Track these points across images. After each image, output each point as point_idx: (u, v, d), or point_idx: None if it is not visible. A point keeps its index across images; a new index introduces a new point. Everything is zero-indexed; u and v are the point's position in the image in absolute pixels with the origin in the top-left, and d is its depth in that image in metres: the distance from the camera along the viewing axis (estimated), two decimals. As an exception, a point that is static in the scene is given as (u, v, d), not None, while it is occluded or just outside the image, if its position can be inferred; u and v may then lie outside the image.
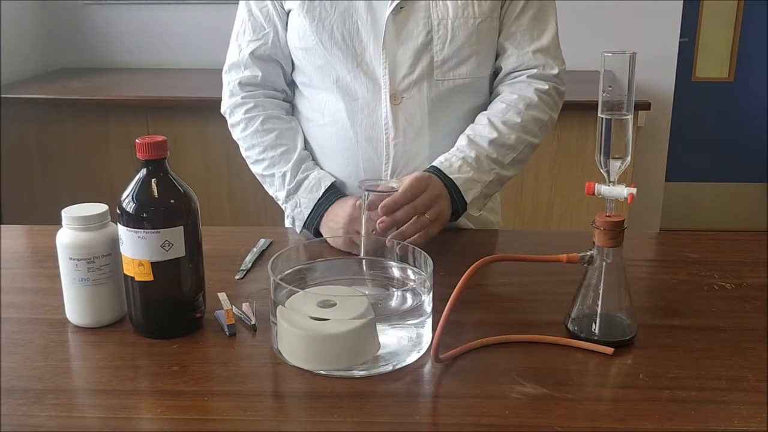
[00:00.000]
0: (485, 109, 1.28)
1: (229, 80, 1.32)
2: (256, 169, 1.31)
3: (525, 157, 1.26)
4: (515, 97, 1.24)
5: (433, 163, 1.20)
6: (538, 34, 1.24)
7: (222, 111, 1.34)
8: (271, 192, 1.31)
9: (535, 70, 1.25)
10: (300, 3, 1.21)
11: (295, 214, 1.26)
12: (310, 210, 1.24)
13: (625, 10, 3.08)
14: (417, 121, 1.23)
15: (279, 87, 1.33)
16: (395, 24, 1.19)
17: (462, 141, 1.22)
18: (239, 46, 1.30)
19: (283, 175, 1.26)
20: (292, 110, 1.35)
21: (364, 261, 1.02)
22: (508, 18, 1.24)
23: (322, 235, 1.22)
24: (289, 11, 1.25)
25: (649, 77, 3.10)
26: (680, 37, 3.18)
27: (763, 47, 3.63)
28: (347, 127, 1.24)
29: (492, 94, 1.31)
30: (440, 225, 1.13)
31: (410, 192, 1.09)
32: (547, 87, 1.25)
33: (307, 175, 1.25)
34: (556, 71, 1.26)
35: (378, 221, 1.06)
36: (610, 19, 3.07)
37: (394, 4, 1.18)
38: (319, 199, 1.23)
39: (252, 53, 1.28)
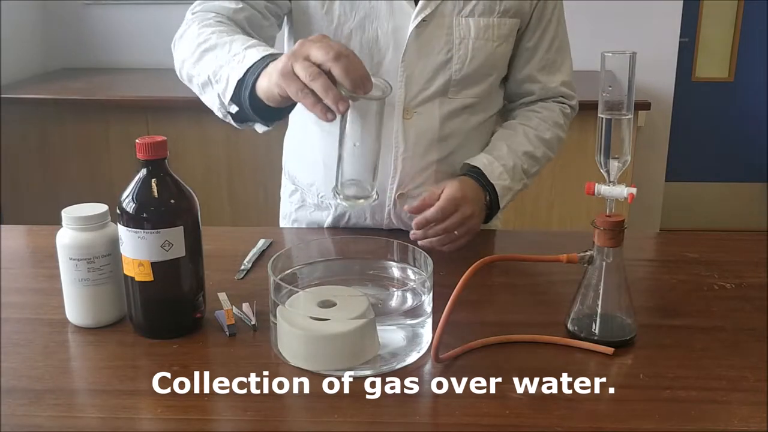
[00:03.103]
0: (488, 126, 1.29)
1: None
2: (194, 74, 1.10)
3: (542, 169, 1.31)
4: (546, 114, 1.30)
5: (476, 164, 1.21)
6: (561, 66, 1.30)
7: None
8: (211, 94, 1.05)
9: (561, 98, 1.33)
10: (320, 3, 1.16)
11: (231, 69, 0.99)
12: (256, 59, 0.97)
13: (625, 10, 3.08)
14: (427, 137, 1.21)
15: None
16: (418, 38, 1.16)
17: (502, 149, 1.24)
18: None
19: (231, 43, 1.03)
20: (289, 119, 1.27)
21: (363, 261, 1.01)
22: (539, 49, 1.26)
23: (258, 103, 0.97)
24: (302, 8, 1.18)
25: (649, 77, 3.11)
26: (680, 37, 3.18)
27: (763, 47, 3.63)
28: None
29: (514, 112, 1.34)
30: (469, 237, 1.17)
31: (441, 213, 1.11)
32: (568, 111, 1.34)
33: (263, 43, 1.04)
34: (574, 102, 1.34)
35: (411, 233, 1.14)
36: (610, 19, 3.07)
37: (421, 17, 1.14)
38: (271, 53, 0.98)
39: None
